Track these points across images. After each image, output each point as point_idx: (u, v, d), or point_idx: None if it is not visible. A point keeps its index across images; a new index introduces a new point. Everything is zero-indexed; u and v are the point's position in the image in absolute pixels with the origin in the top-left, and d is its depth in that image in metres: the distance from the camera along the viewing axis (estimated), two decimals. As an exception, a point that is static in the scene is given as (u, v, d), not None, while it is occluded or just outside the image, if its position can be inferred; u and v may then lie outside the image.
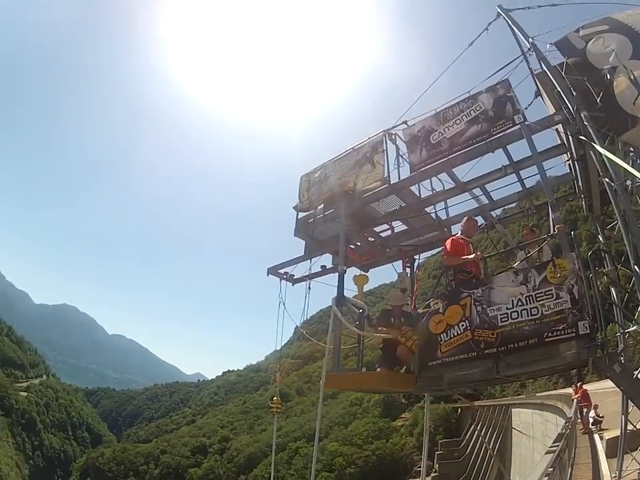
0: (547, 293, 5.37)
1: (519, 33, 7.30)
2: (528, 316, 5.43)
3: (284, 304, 9.38)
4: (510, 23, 7.57)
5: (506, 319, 5.56)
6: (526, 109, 6.88)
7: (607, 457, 10.70)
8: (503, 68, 7.28)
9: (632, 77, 5.99)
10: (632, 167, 5.67)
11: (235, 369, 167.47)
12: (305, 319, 9.74)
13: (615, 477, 8.29)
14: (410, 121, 7.76)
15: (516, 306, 5.53)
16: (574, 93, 6.30)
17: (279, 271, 9.63)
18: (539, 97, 7.28)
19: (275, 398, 11.14)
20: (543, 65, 6.75)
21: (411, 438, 51.34)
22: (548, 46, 6.86)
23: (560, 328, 5.17)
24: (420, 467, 40.73)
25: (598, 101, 6.12)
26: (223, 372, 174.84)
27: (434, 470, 43.00)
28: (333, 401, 66.41)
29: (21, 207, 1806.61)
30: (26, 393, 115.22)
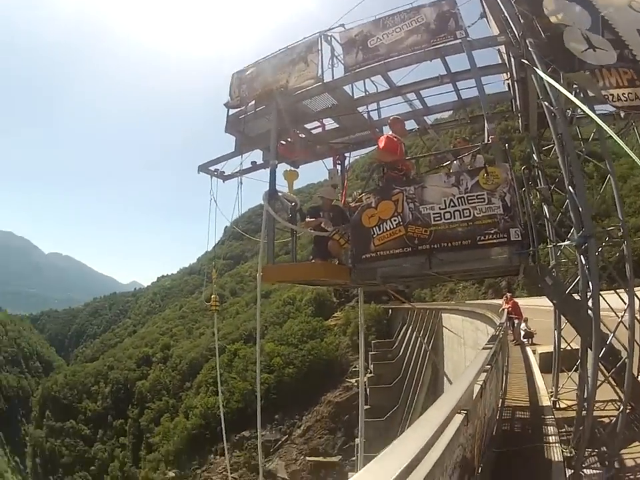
0: (479, 196, 5.53)
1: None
2: (460, 217, 5.59)
3: (215, 201, 9.53)
4: None
5: (439, 218, 5.71)
6: (469, 26, 6.75)
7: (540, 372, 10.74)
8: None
9: (585, 35, 5.82)
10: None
11: (169, 274, 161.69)
12: (237, 216, 9.85)
13: (552, 391, 8.48)
14: (348, 25, 7.54)
15: (448, 206, 5.67)
16: (521, 21, 6.18)
17: (210, 168, 9.55)
18: (484, 19, 7.09)
19: (212, 295, 11.47)
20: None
21: (344, 337, 53.08)
22: None
23: (492, 232, 5.40)
24: (356, 366, 41.98)
25: (545, 39, 6.01)
26: (158, 278, 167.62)
27: (369, 370, 44.45)
28: (266, 301, 66.27)
29: None
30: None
